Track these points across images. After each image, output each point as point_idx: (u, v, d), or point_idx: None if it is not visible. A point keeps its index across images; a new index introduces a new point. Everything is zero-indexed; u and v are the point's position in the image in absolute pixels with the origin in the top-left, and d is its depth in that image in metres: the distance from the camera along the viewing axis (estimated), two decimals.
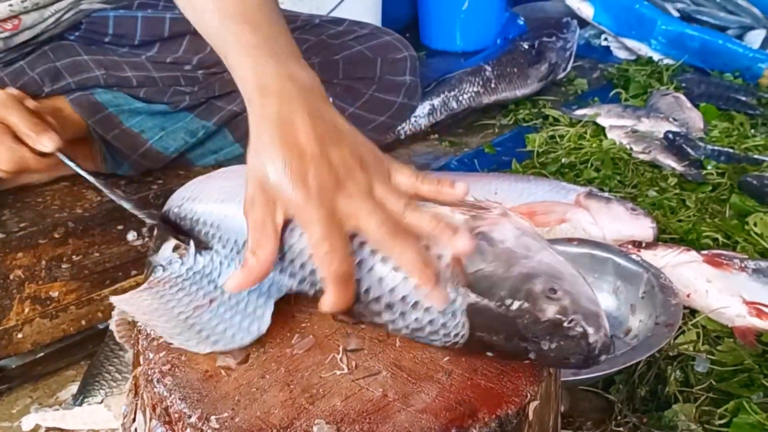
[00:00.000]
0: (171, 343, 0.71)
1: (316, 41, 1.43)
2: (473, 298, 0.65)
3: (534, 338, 0.64)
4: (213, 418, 0.64)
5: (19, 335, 1.22)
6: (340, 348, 0.71)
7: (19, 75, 1.26)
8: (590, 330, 0.63)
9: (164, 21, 1.38)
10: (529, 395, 0.67)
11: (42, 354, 1.27)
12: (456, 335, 0.66)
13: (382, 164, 0.70)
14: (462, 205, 0.71)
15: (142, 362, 0.73)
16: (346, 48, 1.44)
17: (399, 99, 1.47)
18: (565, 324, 0.63)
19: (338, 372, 0.69)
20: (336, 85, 1.43)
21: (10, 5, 1.22)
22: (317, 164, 0.66)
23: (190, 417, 0.65)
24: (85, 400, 1.20)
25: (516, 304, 0.64)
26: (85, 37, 1.36)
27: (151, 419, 0.70)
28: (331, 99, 1.42)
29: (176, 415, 0.66)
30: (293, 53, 0.77)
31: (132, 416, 0.76)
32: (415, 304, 0.67)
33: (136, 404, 0.75)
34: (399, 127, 2.09)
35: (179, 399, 0.66)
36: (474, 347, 0.67)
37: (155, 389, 0.69)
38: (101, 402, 1.20)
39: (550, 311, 0.63)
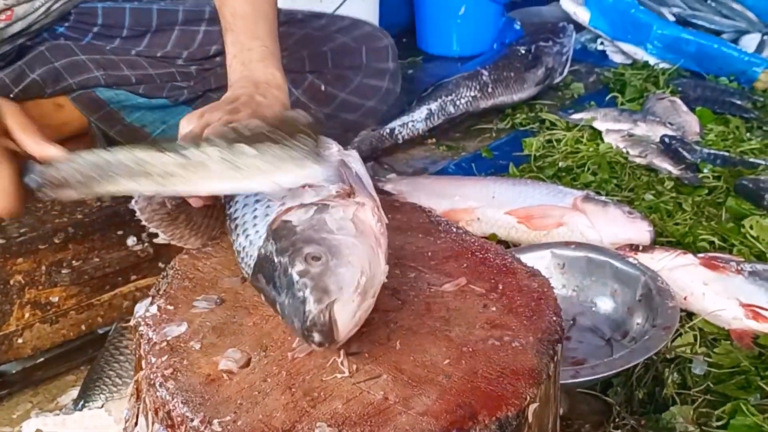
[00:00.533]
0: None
1: (302, 35, 1.46)
2: (269, 239, 0.73)
3: (279, 287, 0.69)
4: (215, 421, 0.65)
5: (20, 340, 1.22)
6: (341, 351, 0.72)
7: (19, 77, 1.27)
8: (311, 299, 0.66)
9: (151, 12, 1.40)
10: (528, 398, 0.67)
11: (42, 359, 1.27)
12: (248, 265, 0.75)
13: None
14: (352, 188, 0.77)
15: (144, 366, 0.73)
16: (331, 40, 1.48)
17: (385, 84, 1.51)
18: (296, 284, 0.67)
19: (339, 375, 0.70)
20: (327, 74, 1.47)
21: None
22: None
23: (192, 421, 0.66)
24: (86, 404, 1.20)
25: (284, 254, 0.70)
26: (75, 28, 1.38)
27: (153, 423, 0.71)
28: (323, 87, 1.46)
29: (179, 419, 0.67)
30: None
31: (134, 420, 0.77)
32: (252, 227, 0.76)
33: (138, 408, 0.76)
34: (397, 132, 2.11)
35: (182, 403, 0.67)
36: (255, 284, 0.74)
37: (157, 393, 0.69)
38: (102, 407, 1.21)
39: (296, 268, 0.68)
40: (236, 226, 0.80)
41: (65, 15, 1.37)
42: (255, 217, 0.77)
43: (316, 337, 0.66)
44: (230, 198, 0.83)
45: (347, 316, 0.67)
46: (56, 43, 1.33)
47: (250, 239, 0.76)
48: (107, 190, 0.77)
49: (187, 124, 0.90)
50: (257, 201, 0.79)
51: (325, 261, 0.68)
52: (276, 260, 0.70)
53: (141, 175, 0.74)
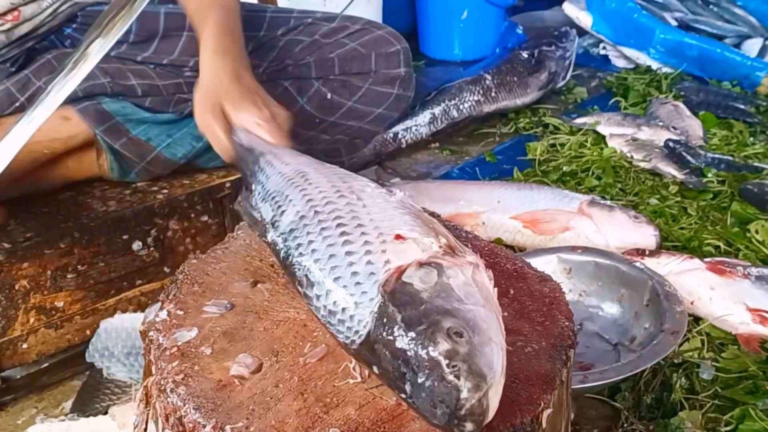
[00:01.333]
0: None
1: (310, 41, 1.45)
2: (387, 303, 0.64)
3: (415, 366, 0.60)
4: (228, 427, 0.64)
5: (24, 345, 1.22)
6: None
7: (25, 85, 1.26)
8: (467, 385, 0.58)
9: (159, 16, 1.40)
10: (542, 404, 0.67)
11: (47, 364, 1.27)
12: (356, 332, 0.65)
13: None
14: (451, 243, 0.71)
15: (154, 372, 0.73)
16: (340, 46, 1.46)
17: (395, 90, 1.49)
18: (446, 367, 0.59)
19: (351, 381, 0.69)
20: (333, 80, 1.45)
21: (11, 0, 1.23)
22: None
23: (204, 427, 0.65)
24: (88, 410, 1.20)
25: (418, 327, 0.61)
26: (82, 29, 1.37)
27: (164, 429, 0.70)
28: (329, 95, 1.45)
29: (190, 425, 0.66)
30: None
31: (143, 426, 0.76)
32: (345, 287, 0.67)
33: (148, 414, 0.75)
34: (400, 136, 2.11)
35: (193, 409, 0.66)
36: (364, 356, 0.65)
37: (168, 399, 0.69)
38: (106, 412, 1.20)
39: (441, 347, 0.60)
40: (316, 271, 0.70)
41: (72, 17, 1.36)
42: (354, 273, 0.67)
43: (468, 426, 0.58)
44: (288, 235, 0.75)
45: (497, 401, 0.60)
46: (63, 51, 1.33)
47: (354, 299, 0.66)
48: None
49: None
50: (346, 243, 0.69)
51: (469, 338, 0.60)
52: (406, 334, 0.61)
53: None
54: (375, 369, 0.64)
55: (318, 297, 0.69)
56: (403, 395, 0.62)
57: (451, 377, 0.58)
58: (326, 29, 1.47)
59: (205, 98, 1.05)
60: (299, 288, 0.72)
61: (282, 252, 0.75)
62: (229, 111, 1.01)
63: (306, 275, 0.71)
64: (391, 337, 0.62)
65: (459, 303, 0.63)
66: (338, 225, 0.72)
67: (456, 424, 0.58)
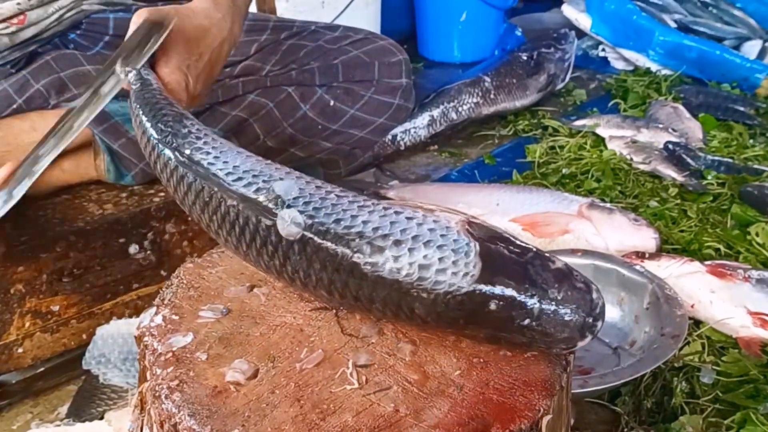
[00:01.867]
0: None
1: (314, 47, 1.45)
2: (486, 244, 0.66)
3: (544, 284, 0.64)
4: None
5: (20, 350, 1.21)
6: (350, 362, 0.70)
7: (23, 87, 1.26)
8: (593, 287, 0.65)
9: None
10: (542, 409, 0.66)
11: (42, 369, 1.26)
12: (466, 274, 0.64)
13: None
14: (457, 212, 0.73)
15: (149, 378, 0.72)
16: (343, 53, 1.46)
17: (396, 101, 1.49)
18: (574, 276, 0.65)
19: (349, 387, 0.68)
20: (336, 87, 1.45)
21: (18, 3, 1.24)
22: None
23: None
24: (84, 415, 1.19)
25: (527, 254, 0.66)
26: (87, 36, 1.37)
27: None
28: (331, 102, 1.44)
29: None
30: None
31: None
32: (428, 242, 0.66)
33: (143, 420, 0.74)
34: (399, 138, 2.10)
35: (188, 415, 0.66)
36: (478, 296, 0.64)
37: (163, 405, 0.68)
38: (102, 417, 1.19)
39: (559, 263, 0.66)
40: (383, 236, 0.66)
41: (77, 23, 1.36)
42: (431, 229, 0.67)
43: (599, 325, 0.65)
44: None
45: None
46: (62, 52, 1.32)
47: (451, 247, 0.65)
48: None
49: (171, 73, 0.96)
50: (397, 213, 0.68)
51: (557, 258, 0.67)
52: (521, 261, 0.65)
53: None
54: (492, 305, 0.65)
55: (397, 258, 0.65)
56: (528, 320, 0.64)
57: (580, 284, 0.65)
58: (329, 37, 1.47)
59: (164, 8, 0.99)
60: (355, 259, 0.66)
61: (313, 227, 0.68)
62: (169, 22, 0.95)
63: (369, 242, 0.66)
64: (508, 267, 0.65)
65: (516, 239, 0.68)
66: (372, 203, 0.69)
67: (590, 326, 0.64)
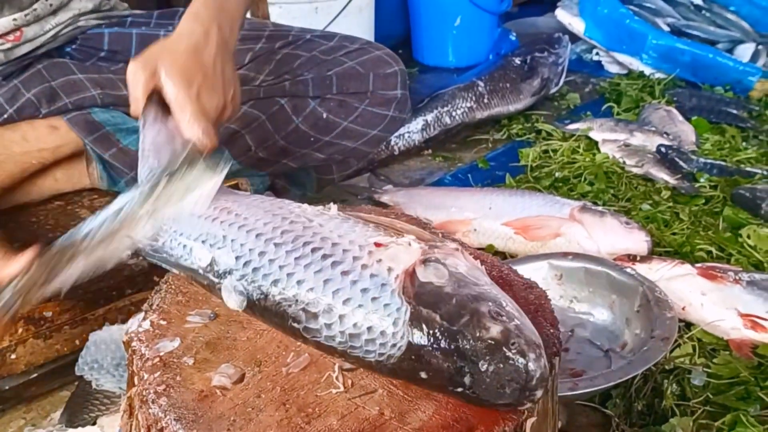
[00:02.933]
0: None
1: (308, 57, 1.44)
2: (418, 308, 0.64)
3: (473, 357, 0.61)
4: None
5: (13, 356, 1.21)
6: (336, 366, 0.71)
7: (14, 96, 1.26)
8: (531, 356, 0.61)
9: (159, 38, 1.39)
10: (526, 412, 0.67)
11: (35, 375, 1.26)
12: (393, 346, 0.64)
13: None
14: (422, 235, 0.73)
15: (136, 383, 0.72)
16: (338, 64, 1.45)
17: (390, 112, 1.49)
18: (508, 345, 0.61)
19: (334, 391, 0.69)
20: (330, 99, 1.45)
21: (14, 19, 1.24)
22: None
23: None
24: (76, 420, 1.19)
25: (461, 320, 0.62)
26: (82, 50, 1.37)
27: None
28: (324, 114, 1.44)
29: None
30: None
31: None
32: (358, 307, 0.65)
33: (131, 425, 0.74)
34: (393, 143, 2.11)
35: (174, 420, 0.66)
36: (407, 366, 0.64)
37: (150, 410, 0.68)
38: (94, 423, 1.19)
39: (494, 330, 0.62)
40: (316, 301, 0.67)
41: (73, 39, 1.36)
42: (364, 290, 0.66)
43: (538, 393, 0.62)
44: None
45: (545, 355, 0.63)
46: (54, 61, 1.32)
47: (379, 315, 0.64)
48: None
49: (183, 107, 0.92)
50: (335, 265, 0.68)
51: (507, 314, 0.63)
52: (452, 330, 0.62)
53: None
54: (422, 375, 0.64)
55: (329, 326, 0.66)
56: (461, 389, 0.63)
57: (515, 355, 0.61)
58: (325, 47, 1.46)
59: (150, 52, 0.96)
60: (294, 325, 0.68)
61: (254, 295, 0.70)
62: (160, 73, 0.92)
63: (303, 309, 0.67)
64: (436, 338, 0.63)
65: (478, 286, 0.66)
66: (313, 250, 0.69)
67: (527, 396, 0.62)
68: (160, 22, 1.43)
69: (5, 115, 1.25)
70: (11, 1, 1.23)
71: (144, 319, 0.78)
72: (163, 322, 0.78)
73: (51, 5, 1.28)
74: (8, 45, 1.26)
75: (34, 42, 1.29)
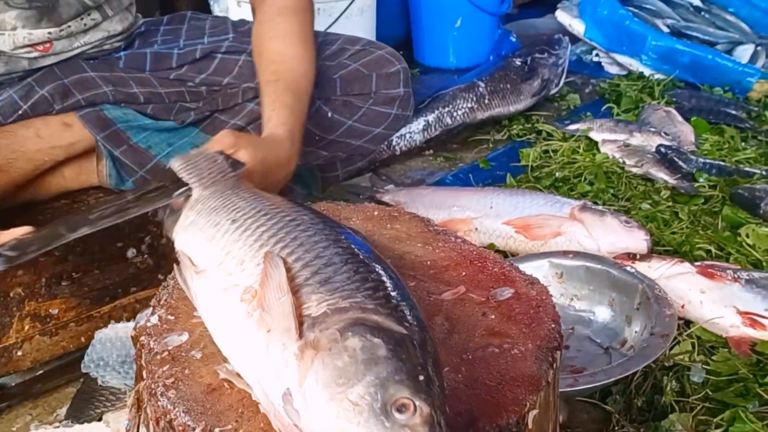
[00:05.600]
0: None
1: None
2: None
3: None
4: (217, 430, 0.65)
5: (19, 353, 1.22)
6: None
7: (29, 93, 1.27)
8: None
9: (172, 56, 1.43)
10: (528, 404, 0.68)
11: (41, 371, 1.27)
12: None
13: None
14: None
15: (145, 376, 0.74)
16: (342, 67, 1.48)
17: (393, 111, 1.51)
18: None
19: None
20: (335, 101, 1.47)
21: (49, 32, 1.27)
22: None
23: (194, 430, 0.66)
24: (82, 416, 1.20)
25: None
26: (98, 65, 1.39)
27: None
28: (329, 114, 1.46)
29: (180, 428, 0.67)
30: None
31: (135, 430, 0.77)
32: None
33: (139, 418, 0.76)
34: (394, 143, 2.12)
35: (183, 412, 0.67)
36: None
37: (159, 403, 0.69)
38: (100, 419, 1.21)
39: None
40: None
41: (93, 57, 1.39)
42: None
43: None
44: None
45: None
46: (67, 59, 1.34)
47: None
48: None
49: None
50: None
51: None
52: None
53: None
54: None
55: None
56: None
57: None
58: (328, 52, 1.48)
59: (245, 135, 1.12)
60: None
61: None
62: (240, 147, 1.02)
63: None
64: None
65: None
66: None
67: None
68: (167, 38, 1.47)
69: (20, 111, 1.26)
70: (50, 15, 1.26)
71: (152, 314, 0.80)
72: (171, 317, 0.79)
73: (85, 24, 1.31)
74: (36, 54, 1.29)
75: (59, 56, 1.32)
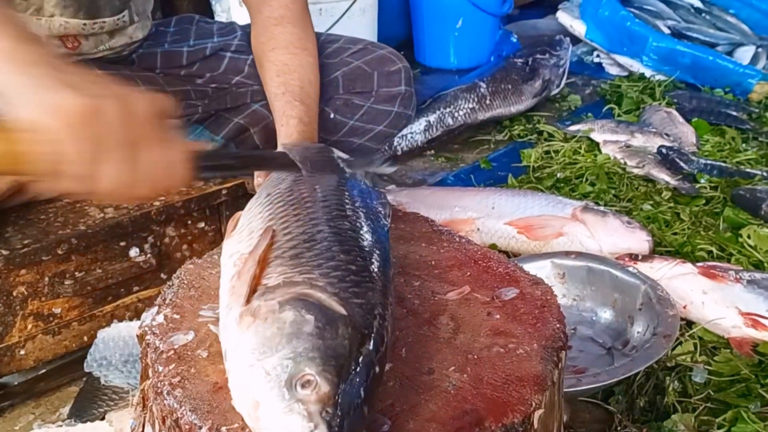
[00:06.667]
0: None
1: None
2: None
3: None
4: (224, 428, 0.65)
5: (22, 352, 1.22)
6: None
7: None
8: None
9: (182, 54, 1.44)
10: (534, 404, 0.68)
11: (44, 370, 1.27)
12: None
13: None
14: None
15: (151, 375, 0.74)
16: (344, 64, 1.48)
17: (395, 108, 1.51)
18: None
19: None
20: (336, 100, 1.47)
21: (84, 25, 1.29)
22: None
23: (201, 428, 0.66)
24: (85, 415, 1.20)
25: None
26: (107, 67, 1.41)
27: (160, 431, 0.71)
28: (331, 114, 1.46)
29: (187, 427, 0.67)
30: None
31: (140, 429, 0.77)
32: None
33: (145, 417, 0.76)
34: (396, 144, 2.12)
35: (189, 410, 0.67)
36: None
37: (165, 401, 0.69)
38: (103, 418, 1.21)
39: None
40: None
41: (112, 61, 1.40)
42: None
43: None
44: None
45: None
46: (71, 58, 1.34)
47: None
48: None
49: None
50: None
51: None
52: None
53: None
54: None
55: None
56: None
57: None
58: (330, 50, 1.49)
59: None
60: None
61: None
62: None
63: None
64: None
65: None
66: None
67: None
68: (177, 37, 1.48)
69: None
70: (88, 8, 1.28)
71: (158, 313, 0.80)
72: (176, 316, 0.79)
73: (116, 24, 1.33)
74: (63, 51, 1.31)
75: (83, 56, 1.33)
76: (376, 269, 0.71)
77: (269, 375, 0.60)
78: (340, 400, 0.59)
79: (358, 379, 0.60)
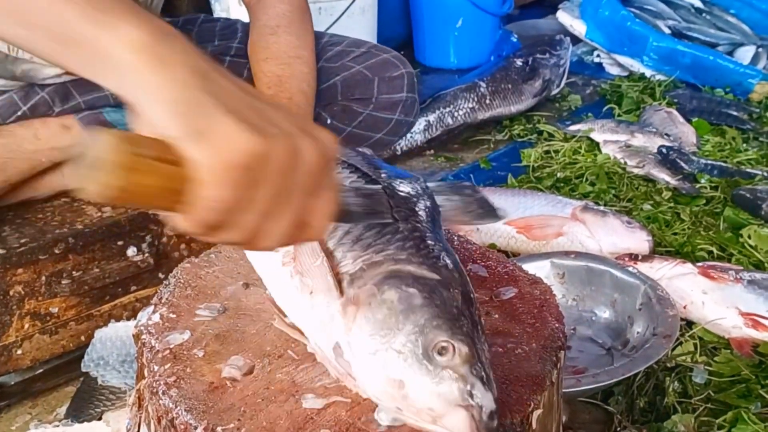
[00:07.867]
0: None
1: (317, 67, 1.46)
2: None
3: None
4: (219, 429, 0.65)
5: (19, 351, 1.22)
6: None
7: (29, 94, 1.27)
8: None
9: None
10: (532, 404, 0.68)
11: (41, 370, 1.27)
12: None
13: None
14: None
15: (146, 375, 0.73)
16: (345, 68, 1.46)
17: (395, 116, 1.49)
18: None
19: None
20: (333, 106, 1.46)
21: None
22: None
23: (196, 428, 0.65)
24: (82, 415, 1.20)
25: None
26: None
27: (156, 431, 0.71)
28: (329, 120, 1.45)
29: (182, 427, 0.67)
30: None
31: (136, 429, 0.76)
32: None
33: (140, 417, 0.75)
34: (395, 143, 2.11)
35: (185, 410, 0.67)
36: None
37: (161, 401, 0.69)
38: (100, 418, 1.20)
39: None
40: None
41: None
42: None
43: None
44: None
45: None
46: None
47: None
48: None
49: None
50: None
51: None
52: None
53: None
54: None
55: None
56: None
57: None
58: (331, 53, 1.47)
59: None
60: None
61: None
62: None
63: None
64: None
65: None
66: None
67: None
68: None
69: (19, 113, 1.26)
70: None
71: (153, 312, 0.79)
72: (172, 315, 0.79)
73: None
74: (63, 77, 1.27)
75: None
76: (436, 230, 0.72)
77: (402, 353, 0.61)
78: (479, 355, 0.61)
79: (477, 332, 0.63)
